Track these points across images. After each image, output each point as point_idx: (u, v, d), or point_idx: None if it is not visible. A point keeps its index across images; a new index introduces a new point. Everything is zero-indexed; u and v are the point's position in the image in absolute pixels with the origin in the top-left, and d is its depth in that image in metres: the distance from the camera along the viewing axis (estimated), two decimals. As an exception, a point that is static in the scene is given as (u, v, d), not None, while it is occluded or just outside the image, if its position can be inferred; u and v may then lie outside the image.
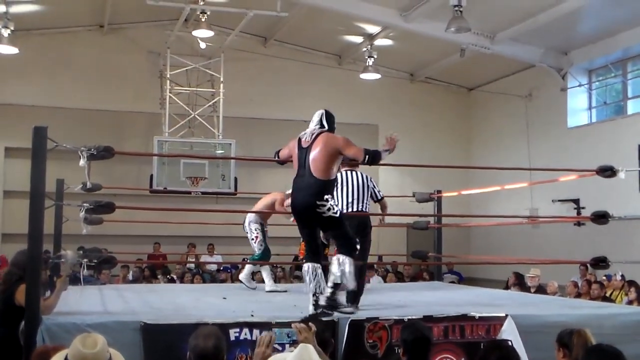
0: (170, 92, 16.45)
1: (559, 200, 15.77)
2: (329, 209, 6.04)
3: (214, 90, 17.03)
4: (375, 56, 16.73)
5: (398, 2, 14.61)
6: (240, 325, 5.52)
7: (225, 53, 16.92)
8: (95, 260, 5.89)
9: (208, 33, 15.46)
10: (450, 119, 19.90)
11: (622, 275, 11.85)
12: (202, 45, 16.30)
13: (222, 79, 16.85)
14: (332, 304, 6.04)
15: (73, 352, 3.38)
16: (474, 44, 15.47)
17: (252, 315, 5.82)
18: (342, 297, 6.36)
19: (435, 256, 10.66)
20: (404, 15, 14.83)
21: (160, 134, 16.11)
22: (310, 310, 5.93)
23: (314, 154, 6.12)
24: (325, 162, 6.11)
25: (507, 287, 12.43)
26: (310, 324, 4.09)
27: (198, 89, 16.99)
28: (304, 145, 6.22)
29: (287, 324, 5.36)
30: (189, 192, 15.26)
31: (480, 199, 17.46)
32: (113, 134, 15.59)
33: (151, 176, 15.35)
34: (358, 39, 17.31)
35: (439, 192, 10.57)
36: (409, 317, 5.76)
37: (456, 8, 12.38)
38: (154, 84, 16.90)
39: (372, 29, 16.53)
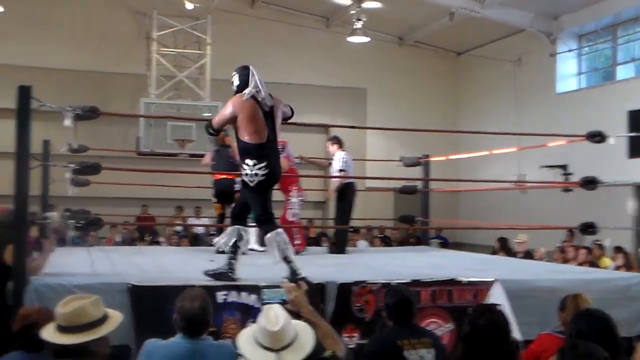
0: (156, 54, 16.31)
1: (547, 166, 15.81)
2: None
3: (200, 52, 16.89)
4: (364, 19, 16.55)
5: (388, -37, 14.47)
6: (228, 287, 5.51)
7: (213, 14, 16.75)
8: (82, 222, 5.85)
9: (196, -7, 15.30)
10: (438, 84, 19.86)
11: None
12: (189, 6, 16.14)
13: (209, 41, 16.71)
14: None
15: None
16: (464, 7, 15.41)
17: (240, 279, 5.80)
18: None
19: (423, 220, 10.68)
20: (393, -23, 14.70)
21: (147, 95, 15.99)
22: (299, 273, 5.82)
23: (277, 119, 5.96)
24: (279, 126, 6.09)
25: (494, 253, 12.50)
26: (300, 282, 4.07)
27: (185, 51, 16.83)
28: (267, 107, 5.87)
29: (275, 286, 5.36)
30: (176, 154, 15.20)
31: (468, 164, 17.47)
32: (99, 96, 15.39)
33: (138, 138, 15.25)
34: (346, 1, 17.12)
35: (427, 156, 10.55)
36: (397, 281, 5.76)
37: (447, -30, 12.27)
38: (140, 45, 16.74)
39: (361, -9, 16.37)
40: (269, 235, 5.85)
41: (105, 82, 16.62)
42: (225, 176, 9.15)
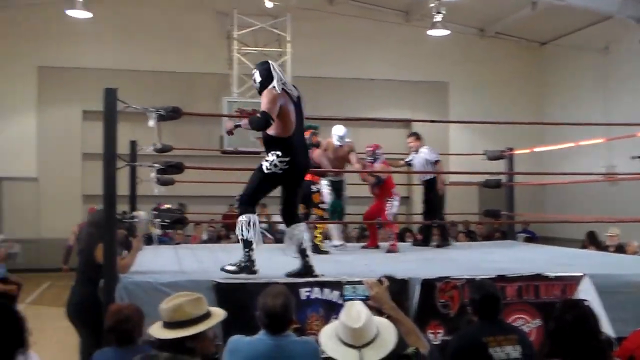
0: (238, 53, 16.53)
1: (639, 157, 15.27)
2: None
3: (281, 49, 17.02)
4: (444, 12, 16.33)
5: (468, -45, 14.24)
6: (311, 284, 5.54)
7: (292, 12, 16.87)
8: (168, 220, 5.97)
9: (275, -8, 15.42)
10: (521, 75, 19.47)
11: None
12: (269, 4, 16.26)
13: (289, 38, 16.82)
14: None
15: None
16: (547, -5, 14.99)
17: (322, 275, 5.82)
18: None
19: (508, 215, 10.49)
20: (474, -31, 14.46)
21: (229, 94, 16.22)
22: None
23: (303, 110, 5.99)
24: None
25: (583, 247, 12.16)
26: (382, 279, 4.05)
27: (265, 49, 16.99)
28: (295, 99, 5.91)
29: (359, 282, 5.36)
30: (259, 152, 15.31)
31: (554, 156, 17.07)
32: (183, 96, 15.73)
33: (221, 137, 15.47)
34: (426, -6, 16.95)
35: (511, 149, 10.36)
36: (481, 277, 5.68)
37: (528, -41, 11.99)
38: (222, 45, 17.01)
39: (441, -17, 16.16)
40: (289, 228, 6.03)
41: (188, 82, 16.97)
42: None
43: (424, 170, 9.69)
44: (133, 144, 9.04)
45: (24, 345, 3.20)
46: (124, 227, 7.04)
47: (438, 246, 9.68)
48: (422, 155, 9.71)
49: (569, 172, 13.11)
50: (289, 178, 5.89)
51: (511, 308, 5.76)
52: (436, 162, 9.68)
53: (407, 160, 10.03)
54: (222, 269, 5.67)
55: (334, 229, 9.27)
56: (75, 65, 16.95)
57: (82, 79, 16.52)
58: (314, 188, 8.71)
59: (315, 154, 8.67)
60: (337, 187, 9.14)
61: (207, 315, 3.52)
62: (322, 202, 8.83)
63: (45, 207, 17.25)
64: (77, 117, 17.27)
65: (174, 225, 6.31)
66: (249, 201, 5.89)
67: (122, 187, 7.67)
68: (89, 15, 15.23)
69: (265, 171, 5.82)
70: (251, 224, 5.76)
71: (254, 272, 5.66)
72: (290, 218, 6.08)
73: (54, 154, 17.25)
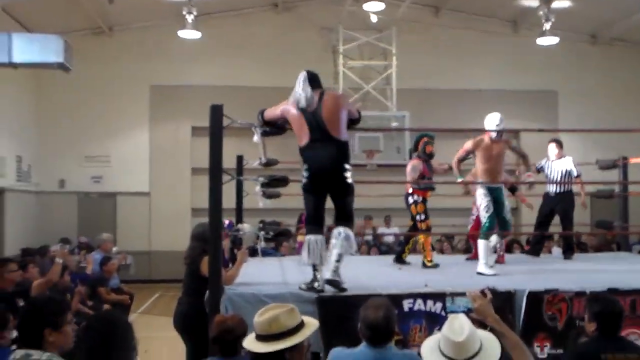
0: (343, 67, 16.64)
1: None
2: (351, 175, 5.79)
3: (386, 62, 17.03)
4: (553, 19, 15.99)
5: (577, -40, 13.86)
6: (414, 296, 5.50)
7: (397, 25, 16.86)
8: (272, 233, 6.05)
9: (379, 5, 15.50)
10: (636, 82, 18.73)
11: None
12: (374, 18, 16.33)
13: (394, 51, 16.81)
14: (337, 278, 5.67)
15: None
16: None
17: (426, 286, 5.78)
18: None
19: (622, 226, 10.12)
20: (583, -27, 14.05)
21: (335, 108, 16.33)
22: (318, 284, 5.65)
23: (328, 115, 5.70)
24: (343, 121, 5.81)
25: None
26: (485, 290, 3.97)
27: (371, 62, 17.04)
28: (310, 108, 5.73)
29: (462, 294, 5.28)
30: (364, 165, 15.38)
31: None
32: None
33: (348, 140, 15.59)
34: (534, 3, 16.58)
35: (625, 158, 10.00)
36: (591, 290, 5.49)
37: (641, -40, 11.54)
38: (327, 60, 17.16)
39: (549, -10, 15.81)
40: (309, 236, 5.77)
41: (295, 97, 17.16)
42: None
43: (562, 181, 9.34)
44: (240, 159, 9.20)
45: (133, 352, 3.33)
46: (229, 239, 7.18)
47: (566, 258, 9.30)
48: (564, 165, 9.37)
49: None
50: (315, 187, 5.81)
51: (624, 323, 5.52)
52: (578, 176, 9.38)
53: (537, 166, 9.50)
54: (300, 287, 5.69)
55: (482, 249, 7.45)
56: (185, 83, 17.50)
57: (191, 96, 17.03)
58: (410, 200, 8.39)
59: (412, 163, 8.43)
60: (496, 195, 7.65)
61: (301, 326, 3.51)
62: (419, 214, 8.32)
63: (156, 220, 17.85)
64: (187, 133, 17.80)
65: (278, 238, 6.38)
66: (308, 220, 5.92)
67: (229, 200, 7.84)
68: (198, 35, 15.71)
69: (302, 187, 5.84)
70: (311, 244, 5.72)
71: (320, 291, 5.59)
72: (311, 225, 5.89)
73: (165, 169, 17.84)
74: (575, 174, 9.36)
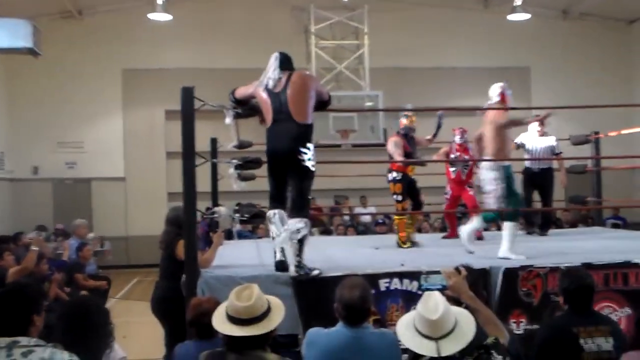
0: (315, 47, 16.58)
1: None
2: (309, 158, 5.61)
3: (358, 42, 16.99)
4: (524, -5, 16.09)
5: None
6: (390, 275, 5.53)
7: (369, 4, 16.79)
8: (247, 215, 6.04)
9: (351, -16, 15.43)
10: (608, 56, 18.87)
11: None
12: (346, -3, 16.26)
13: (366, 30, 16.77)
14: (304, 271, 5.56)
15: (230, 306, 3.47)
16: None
17: (402, 265, 5.81)
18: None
19: (595, 200, 10.22)
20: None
21: (309, 89, 16.28)
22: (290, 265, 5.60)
23: (293, 96, 5.61)
24: (308, 103, 5.67)
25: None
26: (460, 268, 4.00)
27: (343, 42, 17.00)
28: (277, 89, 5.68)
29: (437, 272, 5.31)
30: (339, 145, 15.36)
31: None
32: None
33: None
34: (505, -21, 16.64)
35: (597, 133, 10.09)
36: (566, 265, 5.54)
37: None
38: (299, 40, 17.06)
39: (520, -34, 15.83)
40: (269, 211, 5.79)
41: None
42: None
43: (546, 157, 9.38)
44: (214, 141, 9.18)
45: (109, 337, 3.33)
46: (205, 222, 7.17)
47: (542, 234, 9.31)
48: (547, 143, 9.41)
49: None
50: (272, 168, 5.79)
51: (598, 296, 5.55)
52: (559, 153, 9.49)
53: (517, 142, 9.35)
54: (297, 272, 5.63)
55: (464, 231, 7.15)
56: (157, 67, 17.36)
57: (164, 79, 16.89)
58: (389, 177, 8.15)
59: (393, 140, 8.24)
60: (507, 175, 6.89)
61: (269, 309, 3.49)
62: (396, 194, 8.11)
63: (132, 205, 17.77)
64: (161, 116, 17.71)
65: (254, 220, 6.37)
66: (270, 198, 5.88)
67: (204, 184, 7.81)
68: (169, 17, 15.58)
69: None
70: (271, 217, 5.76)
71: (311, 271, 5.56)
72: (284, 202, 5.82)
73: (140, 154, 17.74)
74: (557, 151, 9.44)
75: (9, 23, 8.91)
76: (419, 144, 8.67)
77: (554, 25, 18.65)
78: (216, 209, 6.69)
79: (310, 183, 5.72)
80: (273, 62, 5.86)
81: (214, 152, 9.11)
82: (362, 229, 15.24)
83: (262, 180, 9.03)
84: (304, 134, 5.63)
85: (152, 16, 15.67)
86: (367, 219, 16.21)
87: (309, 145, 5.62)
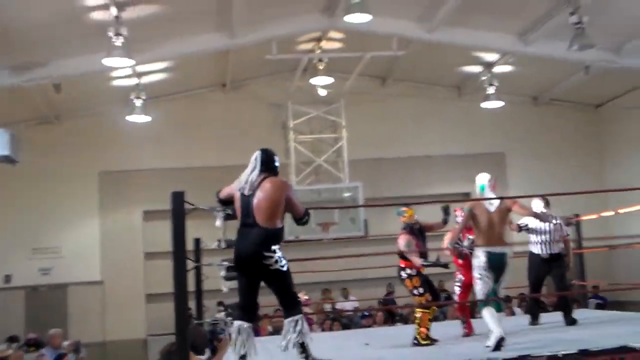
0: (294, 142, 16.73)
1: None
2: (276, 261, 5.56)
3: (336, 135, 17.19)
4: (496, 84, 16.43)
5: (516, 26, 14.23)
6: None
7: (345, 97, 17.06)
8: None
9: (327, 80, 15.72)
10: (579, 138, 19.18)
11: None
12: (322, 92, 16.49)
13: (344, 123, 16.99)
14: None
15: None
16: (599, 60, 14.79)
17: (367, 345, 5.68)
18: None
19: (580, 284, 10.20)
20: (523, 39, 14.42)
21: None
22: None
23: (259, 202, 5.64)
24: (275, 209, 5.67)
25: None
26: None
27: (321, 136, 17.18)
28: (247, 192, 5.72)
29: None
30: (321, 239, 15.29)
31: (621, 220, 16.57)
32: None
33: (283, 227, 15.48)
34: (477, 69, 17.00)
35: (577, 215, 10.15)
36: (563, 353, 5.45)
37: (577, 25, 11.89)
38: (278, 135, 17.19)
39: (491, 56, 16.19)
40: (236, 323, 5.72)
41: (247, 174, 17.07)
42: None
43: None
44: (197, 242, 9.10)
45: None
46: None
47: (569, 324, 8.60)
48: (556, 225, 8.82)
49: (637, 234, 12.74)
50: (239, 272, 5.79)
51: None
52: (567, 235, 8.99)
53: (521, 224, 8.94)
54: None
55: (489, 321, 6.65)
56: (135, 168, 17.17)
57: (142, 180, 16.83)
58: (403, 274, 7.85)
59: (405, 238, 7.92)
60: (497, 264, 6.93)
61: None
62: (416, 288, 7.73)
63: (109, 309, 17.19)
64: (138, 217, 17.43)
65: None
66: (238, 305, 5.83)
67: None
68: (147, 119, 15.66)
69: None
70: (235, 332, 5.71)
71: None
72: (252, 313, 5.82)
73: (117, 256, 17.26)
74: (566, 234, 8.97)
75: (-16, 132, 8.88)
76: (431, 229, 8.29)
77: (526, 111, 18.99)
78: (218, 315, 6.56)
79: (288, 281, 5.69)
80: (253, 162, 5.89)
81: (197, 251, 9.02)
82: (345, 322, 15.03)
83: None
84: (270, 238, 5.60)
85: (131, 118, 15.72)
86: (349, 309, 16.04)
87: (274, 247, 5.58)
